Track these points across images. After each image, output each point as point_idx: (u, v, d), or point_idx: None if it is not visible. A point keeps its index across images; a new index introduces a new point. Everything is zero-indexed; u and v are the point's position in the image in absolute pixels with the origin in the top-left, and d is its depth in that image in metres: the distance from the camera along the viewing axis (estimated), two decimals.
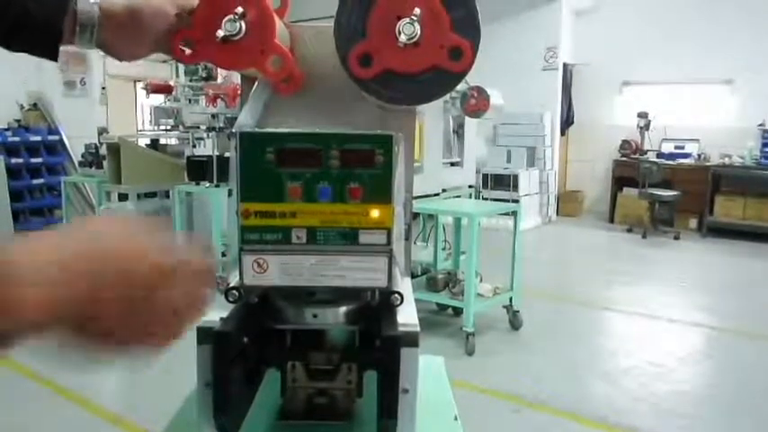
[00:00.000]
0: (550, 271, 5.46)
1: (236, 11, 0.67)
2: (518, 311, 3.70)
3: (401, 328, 0.64)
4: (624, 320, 4.16)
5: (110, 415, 2.66)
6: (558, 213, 8.06)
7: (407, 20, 0.68)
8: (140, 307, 0.44)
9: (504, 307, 3.70)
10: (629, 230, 7.18)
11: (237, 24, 0.67)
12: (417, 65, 0.71)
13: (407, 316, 0.68)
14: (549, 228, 7.58)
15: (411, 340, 0.63)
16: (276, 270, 0.66)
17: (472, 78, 4.23)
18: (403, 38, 0.69)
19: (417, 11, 0.68)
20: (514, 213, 3.69)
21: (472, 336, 3.32)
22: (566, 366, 3.28)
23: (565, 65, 7.90)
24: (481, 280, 3.63)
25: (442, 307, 3.94)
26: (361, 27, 0.71)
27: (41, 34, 0.66)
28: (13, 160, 6.64)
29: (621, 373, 3.19)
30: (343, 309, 0.69)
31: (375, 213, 0.65)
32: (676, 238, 6.83)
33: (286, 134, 0.65)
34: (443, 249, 4.28)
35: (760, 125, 7.09)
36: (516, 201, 6.63)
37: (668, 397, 2.92)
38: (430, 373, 0.98)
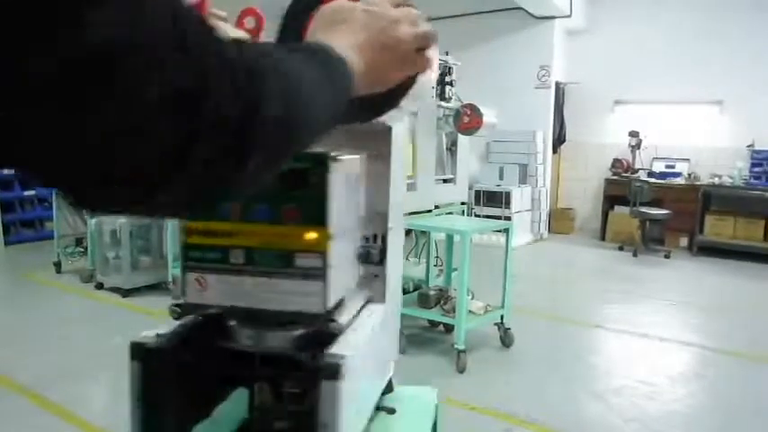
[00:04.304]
0: (542, 288, 5.46)
1: None
2: (509, 329, 3.69)
3: (328, 359, 0.59)
4: (615, 339, 4.16)
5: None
6: (549, 231, 8.08)
7: None
8: (397, 56, 0.59)
9: (496, 324, 3.69)
10: (621, 248, 7.21)
11: None
12: None
13: (349, 345, 0.63)
14: (541, 245, 7.60)
15: (332, 373, 0.58)
16: (217, 289, 0.65)
17: (466, 96, 4.26)
18: None
19: None
20: (506, 230, 3.70)
21: (463, 353, 3.31)
22: (557, 385, 3.26)
23: (557, 83, 7.97)
24: (473, 297, 3.63)
25: (434, 323, 3.93)
26: None
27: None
28: (4, 170, 6.59)
29: (612, 392, 3.18)
30: (285, 333, 0.66)
31: (310, 236, 0.63)
32: (667, 256, 6.86)
33: None
34: (435, 266, 4.28)
35: (749, 146, 7.17)
36: (508, 218, 6.64)
37: (659, 417, 2.92)
38: (415, 407, 0.92)
